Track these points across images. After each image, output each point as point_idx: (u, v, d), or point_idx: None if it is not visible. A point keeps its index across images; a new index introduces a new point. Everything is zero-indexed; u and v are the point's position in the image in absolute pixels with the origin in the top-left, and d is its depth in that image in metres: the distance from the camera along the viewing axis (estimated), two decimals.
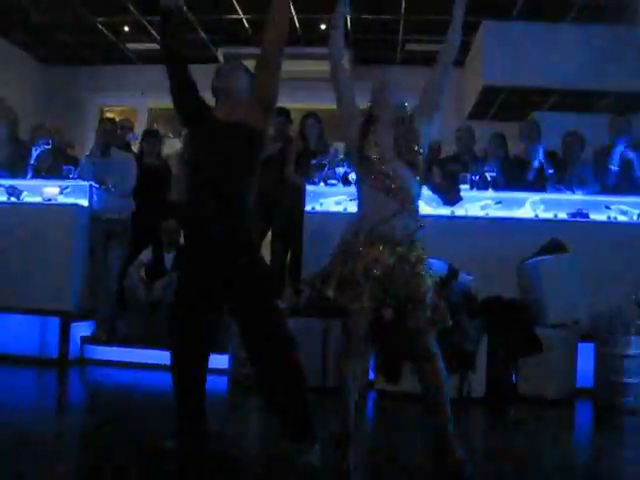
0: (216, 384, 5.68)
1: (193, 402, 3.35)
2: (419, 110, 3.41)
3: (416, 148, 3.23)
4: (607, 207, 6.09)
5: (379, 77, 3.64)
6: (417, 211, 3.27)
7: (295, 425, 3.26)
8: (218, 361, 5.90)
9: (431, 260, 4.75)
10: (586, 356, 5.38)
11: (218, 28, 9.01)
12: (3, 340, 6.14)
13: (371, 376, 5.36)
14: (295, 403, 3.26)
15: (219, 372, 5.78)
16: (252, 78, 3.55)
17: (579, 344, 5.42)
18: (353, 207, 5.93)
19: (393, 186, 3.15)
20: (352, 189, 6.14)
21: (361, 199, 3.29)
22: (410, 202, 3.19)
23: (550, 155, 6.59)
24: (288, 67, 9.94)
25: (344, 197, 6.12)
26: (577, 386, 5.37)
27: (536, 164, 6.45)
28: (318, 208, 6.13)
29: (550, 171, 6.39)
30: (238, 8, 8.36)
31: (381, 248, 3.10)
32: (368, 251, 3.11)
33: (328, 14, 8.44)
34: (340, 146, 7.50)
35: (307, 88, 9.56)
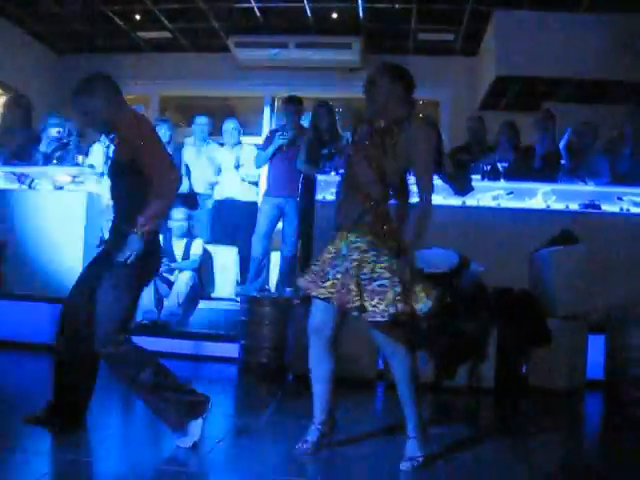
0: (227, 372, 5.71)
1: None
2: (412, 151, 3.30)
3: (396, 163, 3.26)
4: (619, 198, 6.06)
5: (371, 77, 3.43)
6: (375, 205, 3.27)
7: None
8: (229, 349, 5.95)
9: (442, 250, 4.75)
10: (596, 348, 5.37)
11: (229, 16, 8.99)
12: (16, 327, 6.16)
13: (380, 365, 5.37)
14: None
15: (230, 360, 5.81)
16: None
17: (589, 336, 5.40)
18: None
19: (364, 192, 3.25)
20: None
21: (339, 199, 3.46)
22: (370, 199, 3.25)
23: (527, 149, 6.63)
24: (300, 56, 10.02)
25: None
26: (587, 378, 5.36)
27: (542, 152, 6.44)
28: (329, 197, 6.13)
29: (563, 162, 6.37)
30: None
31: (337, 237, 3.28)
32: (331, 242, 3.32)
33: (339, 2, 8.52)
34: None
35: (319, 77, 9.55)
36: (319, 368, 3.42)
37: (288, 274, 6.73)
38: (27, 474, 2.99)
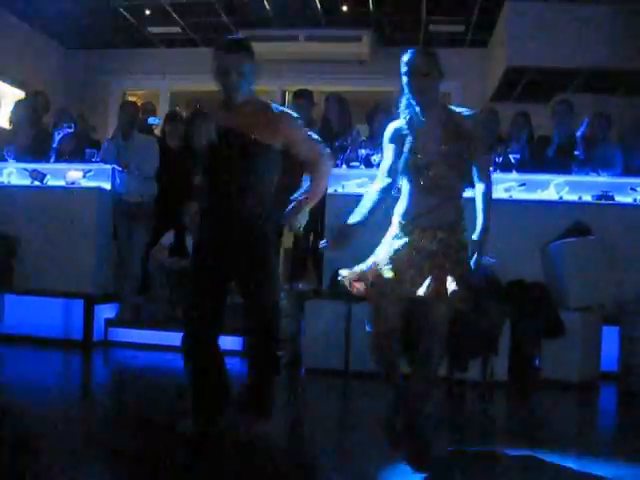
0: (229, 365, 5.72)
1: (206, 381, 3.48)
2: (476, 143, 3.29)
3: (461, 152, 3.22)
4: (633, 189, 6.01)
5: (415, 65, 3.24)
6: (459, 204, 3.35)
7: (252, 400, 3.47)
8: (231, 342, 5.95)
9: None
10: (610, 340, 5.34)
11: (239, 10, 8.98)
12: (28, 322, 6.20)
13: None
14: (259, 386, 3.50)
15: (232, 353, 5.82)
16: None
17: (603, 327, 5.37)
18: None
19: (435, 186, 3.22)
20: (374, 171, 6.15)
21: (406, 194, 3.36)
22: (452, 197, 3.28)
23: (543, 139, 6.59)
24: (310, 49, 10.01)
25: (366, 179, 6.08)
26: (601, 370, 5.33)
27: (558, 140, 6.40)
28: (340, 190, 6.11)
29: (577, 153, 6.32)
30: None
31: (421, 235, 3.21)
32: (412, 238, 3.23)
33: None
34: (362, 128, 7.45)
35: (330, 70, 9.53)
36: (396, 368, 3.34)
37: (298, 268, 6.71)
38: None
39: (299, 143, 3.43)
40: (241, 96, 3.36)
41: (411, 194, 3.30)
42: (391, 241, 3.30)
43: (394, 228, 3.33)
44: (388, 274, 3.19)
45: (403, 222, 3.29)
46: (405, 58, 3.21)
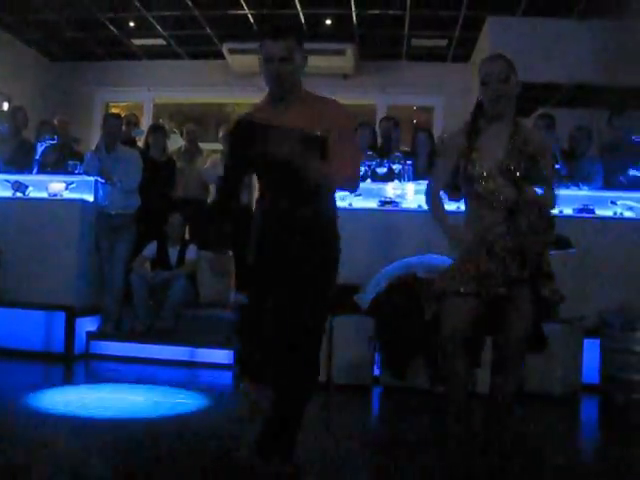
0: (222, 379, 5.71)
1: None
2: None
3: (522, 166, 3.09)
4: (613, 203, 6.07)
5: (487, 67, 3.22)
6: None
7: (274, 438, 3.00)
8: (223, 356, 5.96)
9: (438, 256, 4.76)
10: (592, 352, 5.37)
11: (223, 23, 9.00)
12: (9, 335, 6.15)
13: (376, 372, 5.37)
14: (288, 418, 3.01)
15: (224, 367, 5.82)
16: None
17: (585, 340, 5.40)
18: (358, 203, 6.03)
19: (495, 203, 3.10)
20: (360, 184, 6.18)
21: (467, 210, 3.28)
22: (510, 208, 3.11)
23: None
24: None
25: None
26: (583, 382, 5.36)
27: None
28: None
29: (558, 166, 6.37)
30: (243, 3, 8.34)
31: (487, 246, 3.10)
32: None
33: (333, 9, 8.53)
34: None
35: (313, 83, 9.54)
36: (466, 374, 3.29)
37: None
38: None
39: (347, 139, 2.98)
40: (291, 88, 2.98)
41: (471, 208, 3.22)
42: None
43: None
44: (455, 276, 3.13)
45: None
46: (484, 65, 3.17)
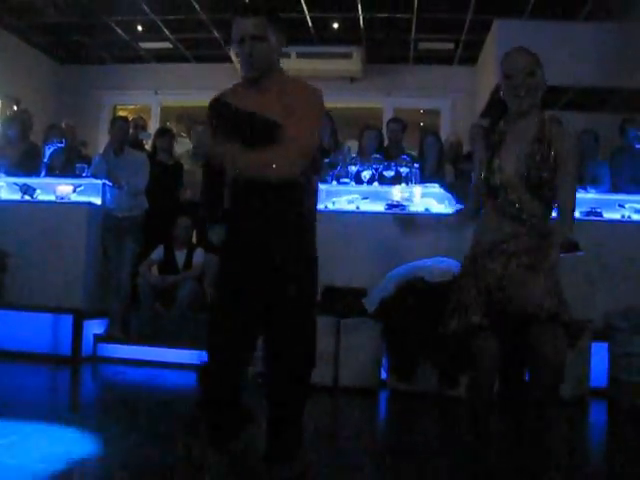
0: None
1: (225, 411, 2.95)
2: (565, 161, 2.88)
3: (546, 176, 2.84)
4: (621, 206, 6.05)
5: (512, 63, 2.91)
6: (542, 229, 2.95)
7: (277, 444, 2.91)
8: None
9: (445, 259, 4.75)
10: (599, 356, 5.35)
11: (230, 27, 9.00)
12: (17, 337, 6.16)
13: (383, 375, 5.36)
14: (288, 422, 2.92)
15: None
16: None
17: (592, 344, 5.39)
18: (365, 206, 6.03)
19: (517, 213, 2.88)
20: (364, 187, 6.20)
21: (484, 217, 3.02)
22: (533, 222, 2.91)
23: None
24: (301, 66, 10.06)
25: (356, 196, 6.11)
26: (591, 386, 5.34)
27: None
28: (330, 207, 6.12)
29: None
30: None
31: (502, 260, 2.88)
32: (490, 265, 2.90)
33: (340, 13, 8.54)
34: (352, 144, 7.49)
35: (321, 87, 9.55)
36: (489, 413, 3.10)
37: None
38: None
39: (303, 125, 2.72)
40: (265, 70, 2.77)
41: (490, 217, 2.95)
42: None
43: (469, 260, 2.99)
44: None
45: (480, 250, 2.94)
46: (507, 58, 2.91)
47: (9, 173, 6.81)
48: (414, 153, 7.07)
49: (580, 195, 6.15)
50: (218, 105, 2.88)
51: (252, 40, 2.71)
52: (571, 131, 3.05)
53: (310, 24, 8.79)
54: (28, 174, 6.80)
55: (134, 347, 6.33)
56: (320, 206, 6.19)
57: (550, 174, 2.84)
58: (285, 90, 2.76)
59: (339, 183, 6.28)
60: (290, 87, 2.79)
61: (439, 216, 5.79)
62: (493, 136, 3.01)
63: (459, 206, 5.94)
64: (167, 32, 9.23)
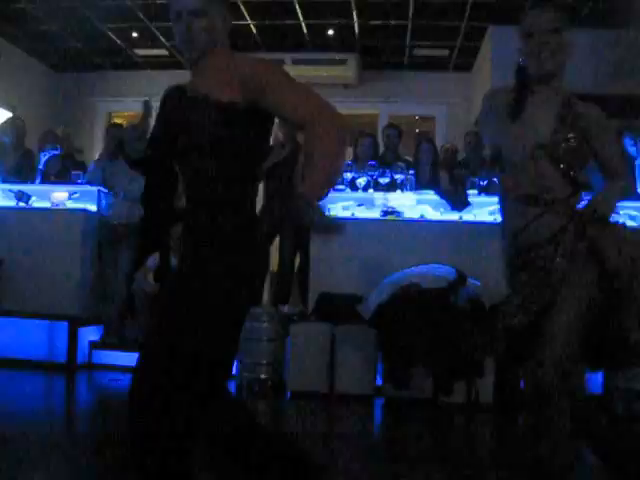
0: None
1: None
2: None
3: (574, 144, 2.63)
4: (615, 212, 6.06)
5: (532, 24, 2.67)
6: (565, 207, 2.70)
7: None
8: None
9: (440, 266, 4.76)
10: None
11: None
12: (12, 344, 6.15)
13: (378, 382, 5.36)
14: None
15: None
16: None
17: None
18: (360, 212, 6.04)
19: (536, 193, 2.61)
20: (360, 194, 6.21)
21: (502, 208, 2.82)
22: (555, 202, 2.64)
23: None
24: (297, 72, 10.08)
25: (351, 202, 6.12)
26: (586, 393, 5.33)
27: None
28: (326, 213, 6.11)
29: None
30: (245, 13, 8.37)
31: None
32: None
33: (335, 19, 8.56)
34: (347, 151, 7.48)
35: None
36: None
37: (283, 290, 6.71)
38: None
39: (280, 94, 2.29)
40: (206, 49, 2.40)
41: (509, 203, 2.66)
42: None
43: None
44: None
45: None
46: (530, 14, 2.64)
47: (4, 180, 6.80)
48: (410, 159, 7.08)
49: None
50: (171, 91, 2.68)
51: (190, 15, 2.31)
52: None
53: (305, 30, 8.81)
54: (23, 181, 6.79)
55: (130, 354, 6.31)
56: None
57: (578, 147, 2.64)
58: (228, 67, 2.36)
59: (334, 190, 6.28)
60: (232, 63, 2.38)
61: (434, 223, 5.82)
62: (516, 105, 2.69)
63: (454, 212, 5.99)
64: (162, 39, 9.23)
